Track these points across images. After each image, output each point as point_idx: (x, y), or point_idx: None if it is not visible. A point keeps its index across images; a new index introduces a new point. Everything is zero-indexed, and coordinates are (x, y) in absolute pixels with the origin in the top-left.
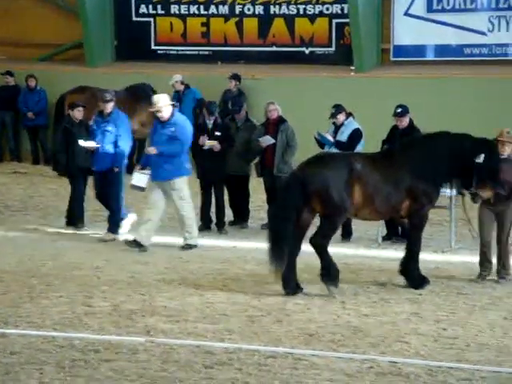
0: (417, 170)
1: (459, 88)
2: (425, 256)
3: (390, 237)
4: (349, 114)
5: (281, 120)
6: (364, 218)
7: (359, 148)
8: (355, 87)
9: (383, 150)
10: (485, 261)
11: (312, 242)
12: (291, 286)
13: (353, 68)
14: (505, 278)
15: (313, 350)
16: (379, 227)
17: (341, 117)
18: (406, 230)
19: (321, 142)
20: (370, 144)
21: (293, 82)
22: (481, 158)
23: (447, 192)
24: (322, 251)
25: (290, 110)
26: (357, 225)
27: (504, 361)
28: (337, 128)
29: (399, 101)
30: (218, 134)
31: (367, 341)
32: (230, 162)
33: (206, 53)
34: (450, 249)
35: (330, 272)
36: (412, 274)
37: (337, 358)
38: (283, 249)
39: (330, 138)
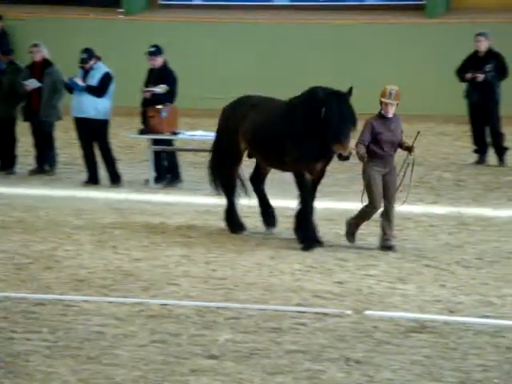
0: (289, 125)
1: (227, 32)
2: (196, 199)
3: (161, 180)
4: (97, 58)
5: (46, 63)
6: (260, 162)
7: (110, 91)
8: (124, 30)
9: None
10: (355, 228)
11: None
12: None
13: (121, 11)
14: (392, 247)
15: (83, 295)
16: (150, 171)
17: (90, 61)
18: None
19: (70, 87)
20: (134, 87)
21: (60, 23)
22: (323, 113)
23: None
24: (225, 193)
25: (59, 53)
26: (128, 168)
27: (270, 298)
28: (86, 72)
29: (168, 45)
30: None
31: (138, 285)
32: None
33: None
34: None
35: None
36: (301, 232)
37: (107, 302)
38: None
39: (81, 83)
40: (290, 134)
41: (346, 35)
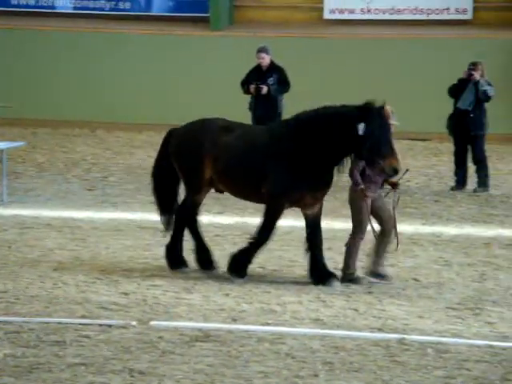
0: (279, 152)
1: (7, 39)
2: None
3: None
4: None
5: None
6: (231, 193)
7: None
8: None
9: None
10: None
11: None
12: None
13: None
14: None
15: None
16: None
17: None
18: None
19: None
20: None
21: None
22: (361, 129)
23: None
24: (189, 227)
25: None
26: None
27: (53, 311)
28: None
29: None
30: None
31: None
32: None
33: None
34: (2, 203)
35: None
36: (233, 265)
37: None
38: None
39: None
40: (278, 162)
41: (131, 45)
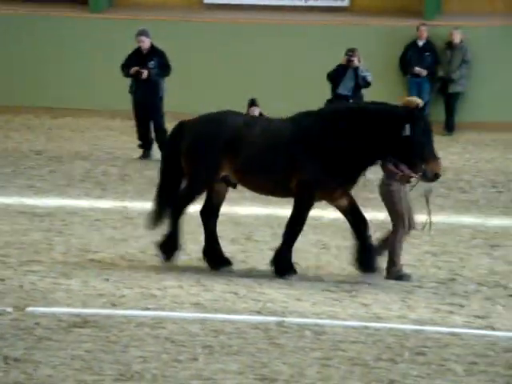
0: (312, 143)
1: None
2: None
3: None
4: None
5: None
6: (251, 189)
7: None
8: None
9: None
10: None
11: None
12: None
13: None
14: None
15: None
16: None
17: None
18: None
19: None
20: None
21: None
22: (406, 130)
23: None
24: (172, 216)
25: None
26: None
27: None
28: None
29: None
30: None
31: None
32: None
33: None
34: None
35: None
36: (281, 261)
37: None
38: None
39: None
40: (311, 152)
41: (6, 26)
